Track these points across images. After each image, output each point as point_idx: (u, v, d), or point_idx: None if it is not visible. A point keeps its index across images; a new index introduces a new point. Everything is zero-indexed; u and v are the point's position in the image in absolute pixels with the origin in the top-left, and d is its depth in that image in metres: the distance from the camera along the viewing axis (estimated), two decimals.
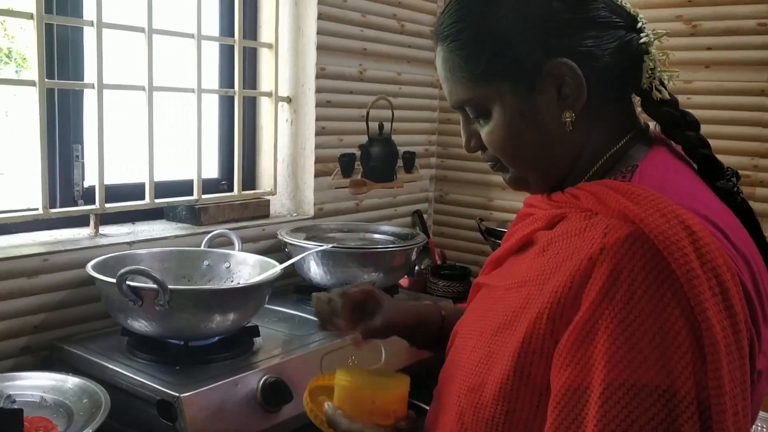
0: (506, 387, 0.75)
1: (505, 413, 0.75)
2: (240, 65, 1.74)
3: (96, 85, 1.46)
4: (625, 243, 0.69)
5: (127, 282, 1.17)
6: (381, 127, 2.07)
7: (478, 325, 0.86)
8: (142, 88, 1.55)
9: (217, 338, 1.31)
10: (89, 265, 1.29)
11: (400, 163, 2.17)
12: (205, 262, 1.49)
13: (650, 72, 0.82)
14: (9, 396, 0.81)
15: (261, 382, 1.22)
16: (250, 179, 1.94)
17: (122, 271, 1.16)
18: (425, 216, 2.28)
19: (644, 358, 0.65)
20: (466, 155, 2.24)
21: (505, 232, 1.89)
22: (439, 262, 2.19)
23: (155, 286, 1.16)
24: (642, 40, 0.81)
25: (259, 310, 1.33)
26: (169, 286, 1.17)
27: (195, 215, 1.68)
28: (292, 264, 1.48)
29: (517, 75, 0.80)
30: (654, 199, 0.71)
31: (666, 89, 0.84)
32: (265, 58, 1.89)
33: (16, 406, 0.79)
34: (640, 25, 0.82)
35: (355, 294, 1.04)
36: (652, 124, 0.89)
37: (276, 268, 1.34)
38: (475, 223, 2.12)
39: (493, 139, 0.83)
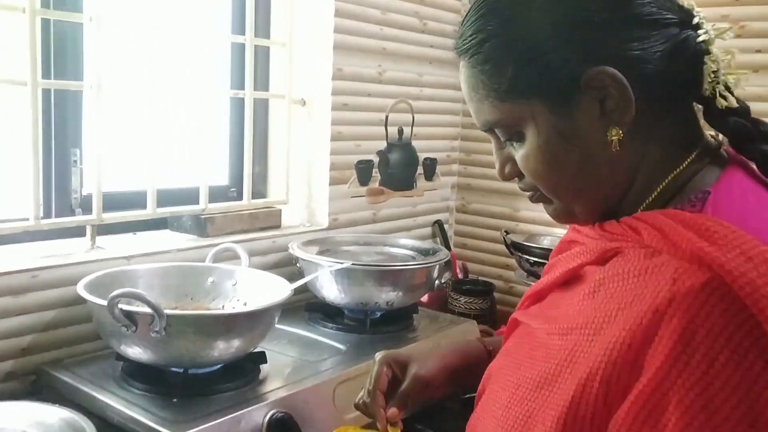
0: None
1: None
2: (252, 65, 1.62)
3: (95, 86, 1.34)
4: (701, 294, 0.56)
5: (120, 306, 1.06)
6: (400, 132, 1.94)
7: (516, 374, 0.74)
8: (144, 89, 1.43)
9: (219, 365, 1.19)
10: (81, 284, 1.17)
11: (420, 170, 2.04)
12: (210, 279, 1.37)
13: (712, 76, 0.69)
14: None
15: (267, 418, 1.10)
16: (260, 187, 1.82)
17: (114, 293, 1.05)
18: (446, 227, 2.15)
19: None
20: (491, 162, 2.10)
21: (533, 246, 1.77)
22: (460, 276, 2.06)
23: (150, 310, 1.04)
24: (700, 39, 0.68)
25: (267, 335, 1.21)
26: (166, 311, 1.05)
27: (201, 226, 1.56)
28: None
29: (551, 89, 0.68)
30: (735, 237, 0.58)
31: (733, 95, 0.71)
32: (277, 57, 1.77)
33: None
34: (696, 20, 0.69)
35: (380, 383, 0.97)
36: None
37: (287, 288, 1.22)
38: (499, 235, 1.98)
39: (529, 166, 0.72)
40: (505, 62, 0.69)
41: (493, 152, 0.78)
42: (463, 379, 1.01)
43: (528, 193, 0.79)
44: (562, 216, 0.77)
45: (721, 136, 0.74)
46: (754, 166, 0.72)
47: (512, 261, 2.00)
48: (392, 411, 0.94)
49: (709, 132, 0.75)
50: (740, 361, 0.54)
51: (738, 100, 0.71)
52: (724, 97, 0.70)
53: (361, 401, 0.99)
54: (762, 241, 0.58)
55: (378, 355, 1.00)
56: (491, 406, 0.76)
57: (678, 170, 0.70)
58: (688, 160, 0.70)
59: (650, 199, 0.71)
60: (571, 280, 0.76)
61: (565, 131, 0.69)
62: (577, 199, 0.74)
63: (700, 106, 0.73)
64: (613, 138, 0.68)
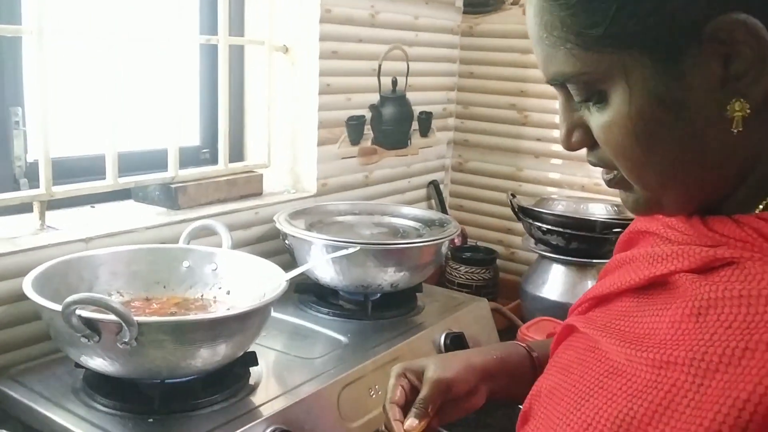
0: None
1: None
2: (225, 5, 1.37)
3: (36, 31, 1.09)
4: None
5: (78, 313, 0.84)
6: (395, 83, 1.72)
7: (583, 406, 0.57)
8: (98, 34, 1.18)
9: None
10: (28, 280, 0.95)
11: (415, 125, 1.83)
12: (185, 264, 1.16)
13: None
14: None
15: None
16: (237, 149, 1.59)
17: (69, 299, 0.83)
18: (442, 187, 1.96)
19: None
20: (491, 116, 1.91)
21: (546, 213, 1.58)
22: (458, 243, 1.88)
23: (117, 318, 0.83)
24: None
25: (257, 338, 1.01)
26: (137, 319, 0.84)
27: (171, 196, 1.34)
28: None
29: (660, 38, 0.49)
30: None
31: None
32: None
33: None
34: None
35: (395, 395, 0.80)
36: None
37: (282, 278, 1.01)
38: (500, 195, 1.81)
39: (612, 138, 0.54)
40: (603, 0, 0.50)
41: (560, 113, 0.59)
42: (502, 386, 0.84)
43: (604, 176, 0.61)
44: (643, 207, 0.59)
45: None
46: None
47: (515, 225, 1.82)
48: (410, 421, 0.76)
49: None
50: None
51: None
52: None
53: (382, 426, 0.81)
54: None
55: (393, 369, 0.84)
56: None
57: None
58: None
59: None
60: (652, 286, 0.59)
61: (668, 97, 0.51)
62: (669, 188, 0.56)
63: None
64: (737, 114, 0.50)
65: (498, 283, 1.78)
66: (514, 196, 1.72)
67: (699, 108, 0.51)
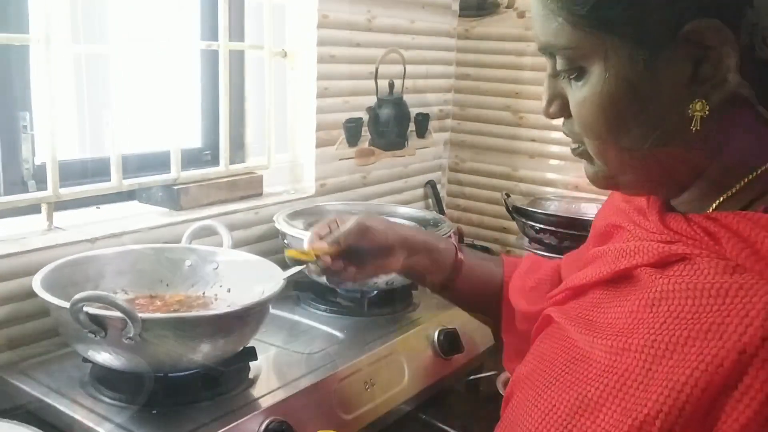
0: None
1: None
2: (225, 12, 1.41)
3: (43, 39, 1.14)
4: None
5: (85, 309, 0.89)
6: (391, 85, 1.77)
7: (550, 390, 0.62)
8: (102, 42, 1.23)
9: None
10: (37, 278, 1.00)
11: (411, 127, 1.87)
12: (187, 263, 1.20)
13: None
14: None
15: (263, 428, 0.96)
16: (238, 151, 1.63)
17: (77, 297, 0.88)
18: (438, 187, 2.00)
19: None
20: (487, 117, 1.95)
21: (538, 212, 1.62)
22: (455, 242, 1.92)
23: (122, 315, 0.88)
24: None
25: (256, 333, 1.05)
26: (141, 315, 0.88)
27: (173, 197, 1.38)
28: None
29: (640, 31, 0.54)
30: None
31: None
32: (254, 4, 1.57)
33: None
34: None
35: (321, 227, 0.92)
36: None
37: (279, 278, 1.06)
38: (495, 195, 1.84)
39: (583, 111, 0.58)
40: None
41: (545, 82, 0.64)
42: (418, 263, 0.93)
43: (571, 145, 0.65)
44: (602, 181, 0.63)
45: None
46: None
47: (510, 224, 1.86)
48: (319, 243, 0.88)
49: None
50: None
51: None
52: None
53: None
54: None
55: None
56: (521, 420, 0.64)
57: None
58: None
59: (729, 194, 0.58)
60: (619, 279, 0.64)
61: (638, 86, 0.55)
62: (626, 169, 0.60)
63: None
64: (696, 113, 0.54)
65: None
66: (508, 195, 1.76)
67: (664, 102, 0.55)
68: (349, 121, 1.66)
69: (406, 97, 1.82)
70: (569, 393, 0.59)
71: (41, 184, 1.26)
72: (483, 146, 1.98)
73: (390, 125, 1.78)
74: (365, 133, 1.72)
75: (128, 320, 0.87)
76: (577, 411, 0.57)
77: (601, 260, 0.68)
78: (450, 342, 1.30)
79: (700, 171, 0.59)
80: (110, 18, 1.23)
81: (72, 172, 1.31)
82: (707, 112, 0.54)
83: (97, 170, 1.34)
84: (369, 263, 0.89)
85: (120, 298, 0.98)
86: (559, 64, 0.60)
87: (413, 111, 1.86)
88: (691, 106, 0.54)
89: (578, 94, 0.59)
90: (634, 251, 0.62)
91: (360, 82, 1.67)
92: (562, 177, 1.84)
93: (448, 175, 2.06)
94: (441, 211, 1.93)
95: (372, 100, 1.72)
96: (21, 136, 1.29)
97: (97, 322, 0.90)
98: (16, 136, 1.28)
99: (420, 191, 1.96)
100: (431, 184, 1.97)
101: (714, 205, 0.58)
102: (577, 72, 0.58)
